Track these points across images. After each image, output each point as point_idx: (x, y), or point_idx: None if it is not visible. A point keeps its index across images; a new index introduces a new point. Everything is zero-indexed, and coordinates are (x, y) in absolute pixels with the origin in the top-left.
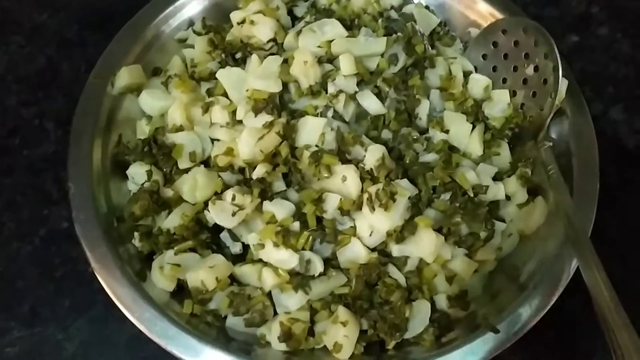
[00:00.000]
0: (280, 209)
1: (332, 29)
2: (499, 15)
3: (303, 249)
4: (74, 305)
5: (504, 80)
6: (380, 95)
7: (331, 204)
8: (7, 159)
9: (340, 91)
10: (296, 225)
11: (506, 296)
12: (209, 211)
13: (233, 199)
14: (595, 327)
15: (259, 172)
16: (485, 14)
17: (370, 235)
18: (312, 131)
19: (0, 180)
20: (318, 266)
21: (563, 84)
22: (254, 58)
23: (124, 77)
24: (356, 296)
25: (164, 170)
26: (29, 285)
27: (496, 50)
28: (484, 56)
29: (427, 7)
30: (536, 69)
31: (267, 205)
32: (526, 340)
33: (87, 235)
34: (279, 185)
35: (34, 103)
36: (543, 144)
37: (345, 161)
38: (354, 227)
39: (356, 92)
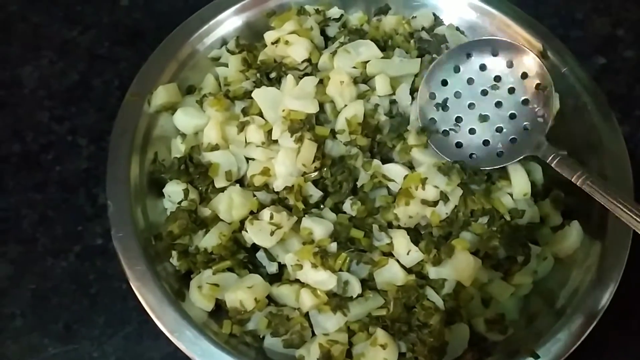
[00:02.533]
0: (318, 227)
1: (367, 49)
2: (529, 37)
3: (340, 270)
4: (109, 322)
5: (470, 105)
6: None
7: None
8: (40, 175)
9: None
10: (333, 246)
11: (543, 320)
12: (246, 231)
13: (271, 217)
14: (634, 351)
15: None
16: (516, 36)
17: (408, 254)
18: None
19: (33, 195)
20: (356, 287)
21: (555, 97)
22: (289, 78)
23: (161, 95)
24: (394, 318)
25: (200, 189)
26: (64, 301)
27: (458, 76)
28: (444, 82)
29: (457, 29)
30: (511, 90)
31: (306, 222)
32: None
33: (126, 252)
34: (315, 194)
35: (66, 118)
36: (555, 158)
37: None
38: (391, 244)
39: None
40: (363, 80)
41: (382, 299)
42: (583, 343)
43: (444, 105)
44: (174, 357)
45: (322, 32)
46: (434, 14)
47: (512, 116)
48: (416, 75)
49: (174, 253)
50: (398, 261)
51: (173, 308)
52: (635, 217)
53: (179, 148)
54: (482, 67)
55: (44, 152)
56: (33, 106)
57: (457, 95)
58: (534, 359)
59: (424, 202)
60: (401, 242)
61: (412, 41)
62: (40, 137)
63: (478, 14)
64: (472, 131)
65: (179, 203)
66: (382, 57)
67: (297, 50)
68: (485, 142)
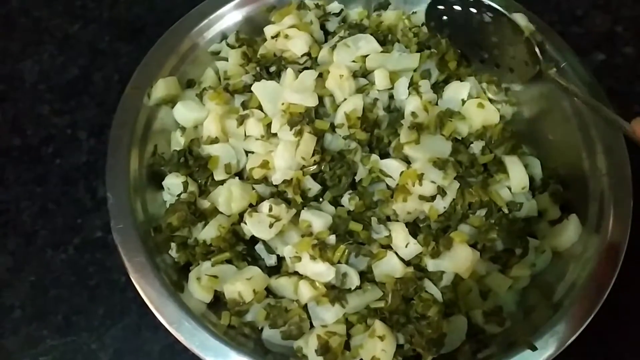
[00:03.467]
0: (317, 219)
1: (367, 44)
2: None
3: (339, 262)
4: (108, 313)
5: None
6: None
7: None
8: (40, 168)
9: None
10: (332, 238)
11: (541, 313)
12: (245, 223)
13: (270, 210)
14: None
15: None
16: None
17: (406, 246)
18: None
19: (33, 188)
20: (354, 279)
21: (522, 18)
22: (289, 72)
23: (161, 88)
24: (392, 310)
25: (199, 181)
26: (63, 293)
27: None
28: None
29: None
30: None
31: (305, 214)
32: (561, 357)
33: (126, 244)
34: (313, 188)
35: (66, 112)
36: (549, 72)
37: None
38: (390, 237)
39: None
40: (362, 74)
41: (381, 291)
42: (581, 336)
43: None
44: (172, 349)
45: (322, 27)
46: None
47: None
48: (415, 70)
49: (173, 245)
50: (396, 254)
51: (172, 299)
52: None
53: (178, 141)
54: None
55: (44, 145)
56: (34, 100)
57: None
58: (532, 350)
59: (422, 197)
60: (400, 235)
61: (412, 37)
62: (41, 131)
63: None
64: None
65: (178, 195)
66: (381, 52)
67: (297, 44)
68: (497, 66)
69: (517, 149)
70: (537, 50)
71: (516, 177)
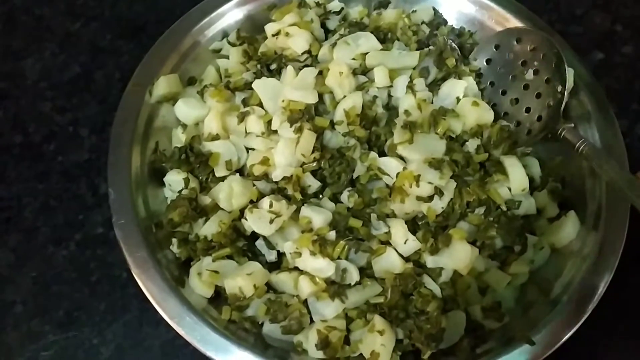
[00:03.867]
0: (317, 216)
1: (367, 41)
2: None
3: (339, 258)
4: (109, 309)
5: (504, 92)
6: None
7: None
8: (42, 165)
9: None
10: (332, 235)
11: (539, 309)
12: (246, 219)
13: (270, 206)
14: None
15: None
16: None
17: (405, 243)
18: None
19: (35, 185)
20: (354, 275)
21: (569, 73)
22: (289, 69)
23: (162, 86)
24: (392, 306)
25: (200, 178)
26: (64, 289)
27: (489, 67)
28: (479, 74)
29: (459, 31)
30: (536, 72)
31: (305, 211)
32: (559, 353)
33: (127, 240)
34: (313, 184)
35: (68, 110)
36: (563, 129)
37: None
38: (389, 233)
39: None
40: (362, 72)
41: (380, 286)
42: (578, 331)
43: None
44: (172, 344)
45: (323, 25)
46: (434, 8)
47: (538, 96)
48: (414, 68)
49: (174, 240)
50: (396, 250)
51: (173, 294)
52: (627, 187)
53: (179, 138)
54: (509, 55)
55: (46, 142)
56: (35, 97)
57: (492, 84)
58: (530, 345)
59: (419, 198)
60: (399, 231)
61: (410, 33)
62: (43, 128)
63: (477, 8)
64: (505, 115)
65: (180, 192)
66: (381, 49)
67: (298, 42)
68: (517, 123)
69: (515, 149)
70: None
71: (516, 179)
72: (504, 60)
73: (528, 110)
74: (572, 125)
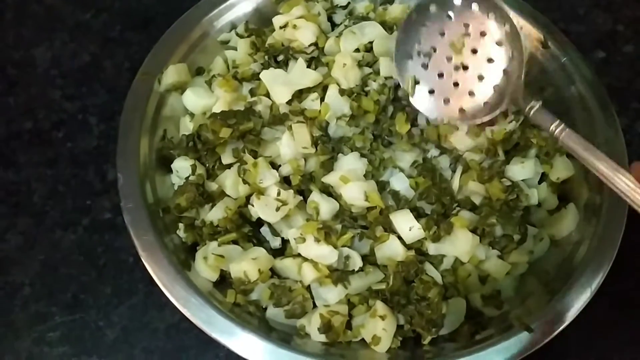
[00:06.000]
0: (325, 203)
1: (373, 30)
2: (531, 28)
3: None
4: (115, 292)
5: (448, 59)
6: None
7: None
8: (51, 151)
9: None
10: (338, 227)
11: (537, 299)
12: (252, 205)
13: (278, 194)
14: (624, 329)
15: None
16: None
17: (410, 229)
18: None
19: (44, 170)
20: (357, 262)
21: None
22: (299, 61)
23: (171, 75)
24: (393, 292)
25: (207, 165)
26: (72, 272)
27: (428, 31)
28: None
29: None
30: (483, 34)
31: (315, 196)
32: (557, 340)
33: (135, 223)
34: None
35: (77, 98)
36: (531, 109)
37: None
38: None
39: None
40: (367, 63)
41: (382, 273)
42: (577, 320)
43: (423, 64)
44: (177, 328)
45: (329, 19)
46: None
47: (490, 60)
48: None
49: (180, 225)
50: (399, 237)
51: (179, 277)
52: (610, 171)
53: (187, 126)
54: (449, 17)
55: (56, 129)
56: (45, 85)
57: (434, 49)
58: (529, 332)
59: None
60: (404, 218)
61: None
62: (52, 115)
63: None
64: (455, 84)
65: (187, 178)
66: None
67: (305, 34)
68: (471, 93)
69: None
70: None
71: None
72: (444, 23)
73: (481, 78)
74: (541, 102)
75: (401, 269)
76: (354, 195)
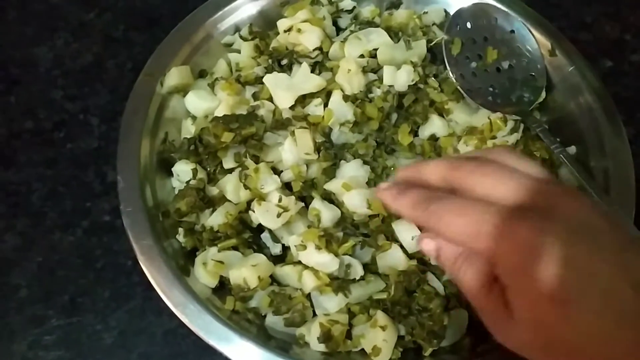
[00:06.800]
0: (326, 211)
1: (378, 37)
2: (539, 36)
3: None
4: (113, 296)
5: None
6: None
7: None
8: (51, 151)
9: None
10: (340, 234)
11: None
12: (253, 211)
13: (279, 200)
14: None
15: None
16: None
17: (412, 239)
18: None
19: (44, 171)
20: (358, 271)
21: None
22: (304, 66)
23: (174, 77)
24: (395, 302)
25: (208, 169)
26: (70, 275)
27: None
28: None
29: None
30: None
31: (316, 203)
32: None
33: (134, 227)
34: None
35: (79, 98)
36: (538, 127)
37: None
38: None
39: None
40: (372, 70)
41: (384, 282)
42: None
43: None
44: (175, 333)
45: (334, 23)
46: (445, 10)
47: (510, 66)
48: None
49: (180, 230)
50: (401, 246)
51: (178, 283)
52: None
53: (189, 129)
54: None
55: (57, 129)
56: (47, 85)
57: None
58: None
59: None
60: (407, 227)
61: (420, 33)
62: (53, 115)
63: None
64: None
65: (187, 182)
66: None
67: (309, 38)
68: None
69: None
70: None
71: None
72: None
73: (499, 69)
74: (547, 127)
75: (403, 278)
76: (356, 203)
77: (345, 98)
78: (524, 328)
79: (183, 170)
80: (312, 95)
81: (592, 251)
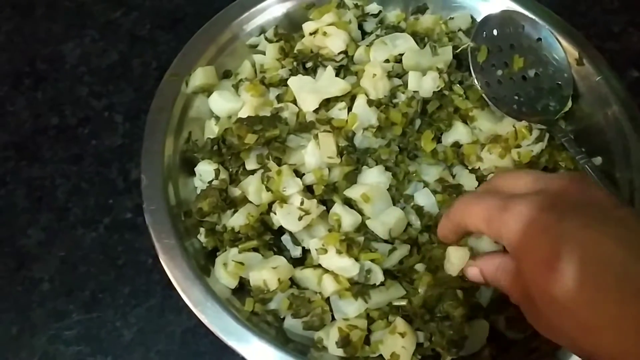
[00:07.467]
0: (347, 216)
1: (405, 42)
2: (567, 45)
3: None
4: (133, 293)
5: (506, 64)
6: None
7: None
8: (76, 148)
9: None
10: (361, 239)
11: None
12: (274, 213)
13: (301, 203)
14: None
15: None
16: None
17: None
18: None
19: (69, 167)
20: (379, 276)
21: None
22: (329, 69)
23: (199, 77)
24: (420, 306)
25: (230, 170)
26: (91, 270)
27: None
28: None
29: None
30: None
31: (337, 208)
32: None
33: (156, 226)
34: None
35: (104, 95)
36: (564, 137)
37: None
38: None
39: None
40: (397, 75)
41: (404, 289)
42: None
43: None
44: (194, 332)
45: (360, 27)
46: (472, 17)
47: (537, 74)
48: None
49: (201, 230)
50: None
51: (198, 282)
52: None
53: (212, 130)
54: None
55: (81, 126)
56: (73, 81)
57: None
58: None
59: None
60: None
61: (446, 39)
62: (78, 112)
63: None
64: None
65: (210, 182)
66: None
67: (335, 42)
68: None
69: None
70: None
71: None
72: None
73: (525, 78)
74: (572, 136)
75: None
76: (379, 230)
77: (370, 103)
78: (552, 315)
79: (206, 171)
80: (337, 99)
81: (599, 230)
